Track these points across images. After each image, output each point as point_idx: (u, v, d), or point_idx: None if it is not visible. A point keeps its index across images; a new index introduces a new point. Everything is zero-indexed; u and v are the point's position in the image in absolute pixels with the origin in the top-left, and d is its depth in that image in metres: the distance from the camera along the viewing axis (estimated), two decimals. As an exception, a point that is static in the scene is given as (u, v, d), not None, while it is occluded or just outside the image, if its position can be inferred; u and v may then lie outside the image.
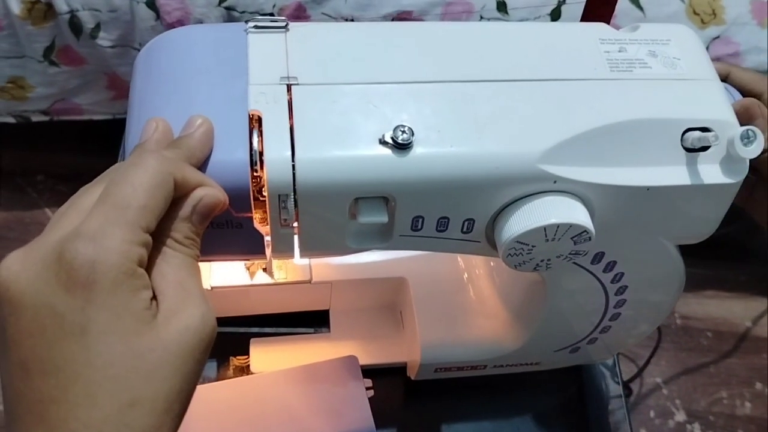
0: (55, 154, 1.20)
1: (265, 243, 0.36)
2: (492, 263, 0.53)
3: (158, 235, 0.28)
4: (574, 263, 0.40)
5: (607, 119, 0.36)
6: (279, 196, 0.33)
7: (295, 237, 0.36)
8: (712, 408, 1.09)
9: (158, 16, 0.88)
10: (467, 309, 0.53)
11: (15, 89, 0.99)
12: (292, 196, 0.33)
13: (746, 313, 1.17)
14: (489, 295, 0.53)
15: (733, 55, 0.89)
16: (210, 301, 0.28)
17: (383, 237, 0.37)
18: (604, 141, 0.36)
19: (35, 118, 1.05)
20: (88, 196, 0.28)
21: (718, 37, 0.90)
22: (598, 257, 0.40)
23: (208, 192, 0.30)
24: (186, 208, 0.29)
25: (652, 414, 1.07)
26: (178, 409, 0.26)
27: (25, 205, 1.20)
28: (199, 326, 0.27)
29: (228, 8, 0.89)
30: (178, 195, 0.29)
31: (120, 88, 1.02)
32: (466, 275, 0.55)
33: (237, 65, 0.35)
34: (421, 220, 0.36)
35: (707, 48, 0.88)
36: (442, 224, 0.36)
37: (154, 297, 0.27)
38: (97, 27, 0.90)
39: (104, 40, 0.91)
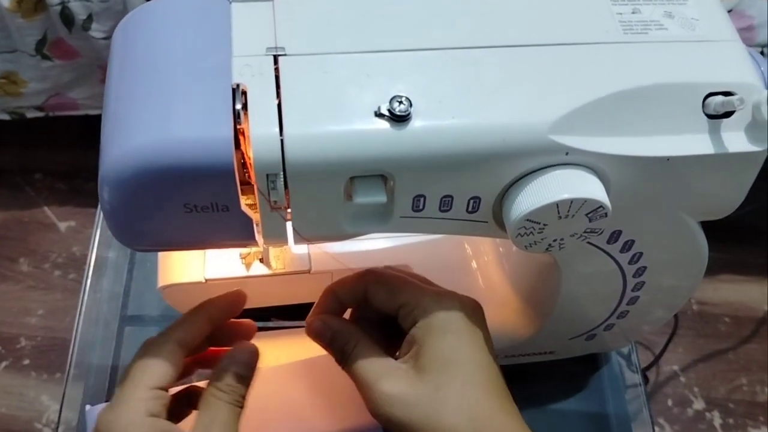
0: (53, 151, 1.18)
1: (255, 229, 0.34)
2: (501, 248, 0.51)
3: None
4: (589, 243, 0.38)
5: (622, 85, 0.33)
6: (267, 175, 0.30)
7: (288, 223, 0.33)
8: (732, 395, 1.06)
9: (151, 5, 0.86)
10: (476, 297, 0.50)
11: (8, 85, 0.97)
12: (282, 176, 0.30)
13: (764, 296, 1.14)
14: (498, 282, 0.50)
15: (747, 29, 0.86)
16: None
17: (383, 219, 0.34)
18: (620, 109, 0.33)
19: (30, 114, 1.03)
20: None
21: (731, 11, 0.86)
22: (614, 236, 0.37)
23: (234, 353, 0.37)
24: (217, 368, 0.36)
25: (670, 403, 1.04)
26: None
27: (24, 204, 1.18)
28: None
29: (222, -6, 0.86)
30: (193, 349, 0.37)
31: (115, 82, 1.00)
32: (473, 262, 0.52)
33: (219, 36, 0.33)
34: (422, 199, 0.33)
35: (720, 22, 0.85)
36: (446, 203, 0.33)
37: None
38: (89, 18, 0.88)
39: (97, 31, 0.89)
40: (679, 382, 1.06)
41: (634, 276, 0.41)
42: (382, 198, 0.32)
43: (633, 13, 0.36)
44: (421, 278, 0.40)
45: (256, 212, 0.32)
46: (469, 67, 0.33)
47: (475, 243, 0.52)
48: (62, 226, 1.18)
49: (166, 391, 0.35)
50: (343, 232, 0.34)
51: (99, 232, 0.63)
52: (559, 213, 0.32)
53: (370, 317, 0.39)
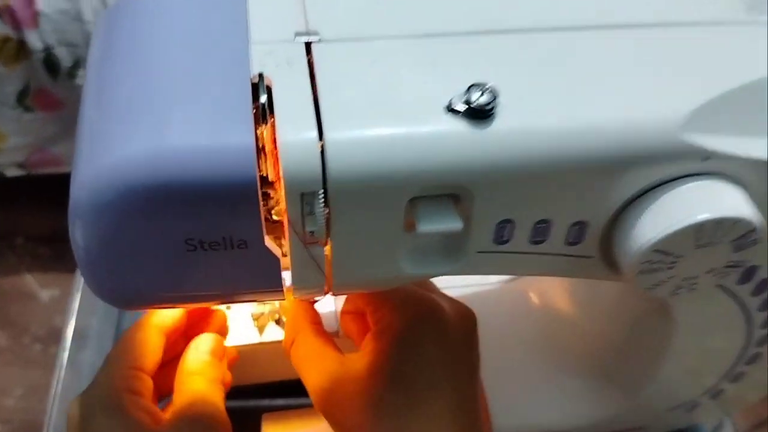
0: (36, 214, 1.10)
1: (282, 272, 0.25)
2: (575, 296, 0.41)
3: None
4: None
5: (758, 72, 0.25)
6: (302, 195, 0.22)
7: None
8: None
9: (143, 49, 0.80)
10: (547, 360, 0.40)
11: (-14, 141, 0.90)
12: (322, 196, 0.22)
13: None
14: (577, 339, 0.41)
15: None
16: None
17: (453, 255, 0.25)
18: (761, 102, 0.25)
19: (10, 173, 0.96)
20: None
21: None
22: (748, 274, 0.29)
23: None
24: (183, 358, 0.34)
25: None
26: None
27: (5, 271, 1.10)
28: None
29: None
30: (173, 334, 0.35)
31: (104, 136, 0.92)
32: (542, 313, 0.43)
33: (233, 19, 0.25)
34: (509, 226, 0.24)
35: None
36: (540, 232, 0.25)
37: None
38: (76, 65, 0.81)
39: (83, 79, 0.82)
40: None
41: (762, 326, 0.32)
42: (456, 224, 0.23)
43: (754, -12, 0.28)
44: None
45: (284, 248, 0.24)
46: (564, 52, 0.25)
47: (542, 291, 0.43)
48: (44, 295, 1.09)
49: (150, 376, 0.33)
50: (399, 275, 0.26)
51: (80, 296, 0.55)
52: (698, 240, 0.24)
53: None
